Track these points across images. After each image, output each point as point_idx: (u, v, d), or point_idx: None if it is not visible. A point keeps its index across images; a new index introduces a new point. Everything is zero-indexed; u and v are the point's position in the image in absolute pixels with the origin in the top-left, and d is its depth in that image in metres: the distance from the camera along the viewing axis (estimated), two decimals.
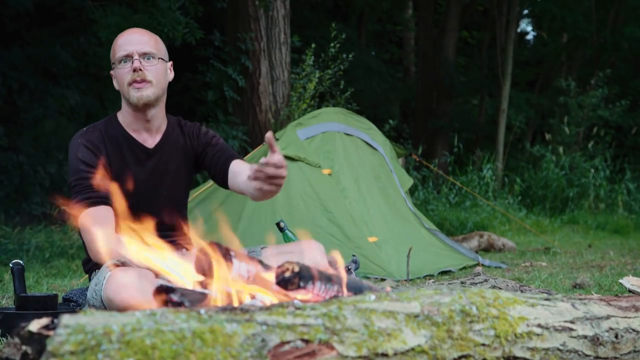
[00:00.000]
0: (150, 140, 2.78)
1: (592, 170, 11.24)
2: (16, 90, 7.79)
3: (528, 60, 17.45)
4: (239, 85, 8.74)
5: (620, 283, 3.42)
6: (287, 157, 4.83)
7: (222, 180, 2.83)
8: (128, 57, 2.66)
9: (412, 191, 9.50)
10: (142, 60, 2.65)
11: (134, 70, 2.64)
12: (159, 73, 2.70)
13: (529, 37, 20.82)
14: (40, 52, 8.06)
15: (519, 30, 17.57)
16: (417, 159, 7.62)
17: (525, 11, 16.81)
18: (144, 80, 2.65)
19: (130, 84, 2.65)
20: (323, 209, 4.83)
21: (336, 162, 5.18)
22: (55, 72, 8.27)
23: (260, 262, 1.91)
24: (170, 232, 2.71)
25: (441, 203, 9.65)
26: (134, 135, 2.76)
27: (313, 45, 8.99)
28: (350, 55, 9.35)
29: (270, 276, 1.82)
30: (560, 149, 11.97)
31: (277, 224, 3.30)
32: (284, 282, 1.73)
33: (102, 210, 2.54)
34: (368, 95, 13.48)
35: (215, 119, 8.88)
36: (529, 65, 17.37)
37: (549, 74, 16.34)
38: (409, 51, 17.94)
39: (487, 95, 15.45)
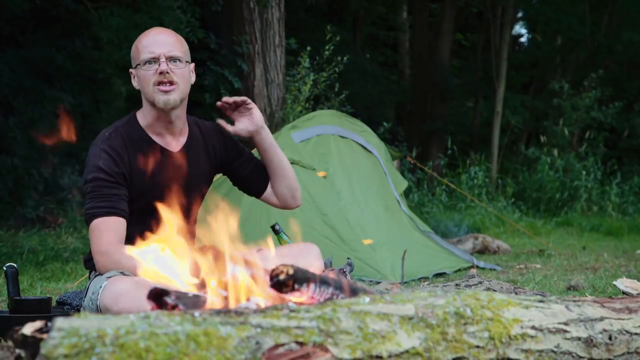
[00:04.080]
0: (174, 144, 2.73)
1: (585, 173, 11.27)
2: (11, 93, 7.77)
3: (522, 62, 17.49)
4: (235, 87, 8.74)
5: (614, 285, 3.44)
6: None
7: (254, 194, 3.01)
8: (154, 60, 2.59)
9: (406, 193, 9.51)
10: (168, 63, 2.59)
11: (160, 73, 2.58)
12: (184, 76, 2.65)
13: (523, 39, 20.87)
14: (35, 54, 8.04)
15: (513, 32, 17.61)
16: (412, 162, 7.63)
17: (520, 14, 16.86)
18: (170, 82, 2.60)
19: (156, 85, 2.59)
20: (318, 212, 4.82)
21: (331, 165, 5.17)
22: (50, 75, 8.26)
23: (255, 264, 1.91)
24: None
25: (436, 205, 9.66)
26: (157, 139, 2.70)
27: (308, 48, 8.99)
28: (345, 58, 9.35)
29: (265, 279, 1.82)
30: (555, 151, 12.00)
31: (272, 227, 3.30)
32: (279, 285, 1.72)
33: (113, 220, 2.50)
34: (363, 98, 13.48)
35: (212, 121, 8.87)
36: (524, 68, 17.41)
37: (544, 76, 16.38)
38: (404, 54, 17.96)
39: (482, 97, 15.49)
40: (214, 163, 2.87)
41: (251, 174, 2.95)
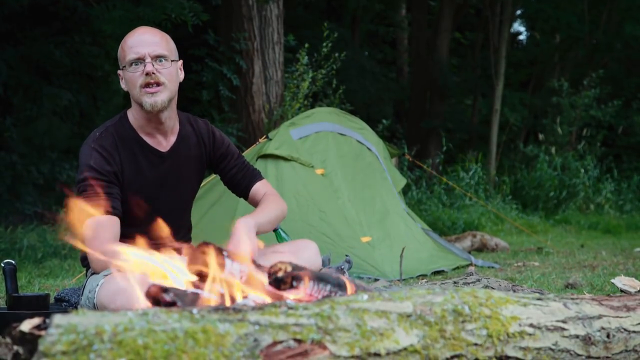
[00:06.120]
0: (164, 143, 2.71)
1: (583, 171, 11.27)
2: (9, 90, 7.77)
3: (521, 60, 17.48)
4: (233, 85, 8.74)
5: (612, 283, 3.44)
6: (280, 157, 4.84)
7: (239, 195, 2.98)
8: (140, 60, 2.56)
9: (405, 191, 9.51)
10: (154, 63, 2.56)
11: (147, 74, 2.55)
12: (172, 75, 2.62)
13: (522, 37, 20.87)
14: (33, 51, 8.03)
15: (512, 30, 17.59)
16: (410, 159, 7.63)
17: (519, 12, 16.85)
18: (157, 83, 2.57)
19: (142, 87, 2.57)
20: (316, 209, 4.82)
21: (329, 162, 5.17)
22: (49, 72, 8.25)
23: (253, 261, 1.91)
24: (175, 236, 2.68)
25: (434, 203, 9.65)
26: (148, 139, 2.68)
27: (307, 45, 8.99)
28: (343, 54, 9.35)
29: (263, 276, 1.82)
30: (553, 149, 12.00)
31: None
32: (277, 282, 1.73)
33: (107, 219, 2.49)
34: (361, 95, 13.48)
35: (210, 118, 8.88)
36: (522, 66, 17.40)
37: (542, 74, 16.38)
38: (403, 51, 17.96)
39: (480, 95, 15.48)
40: (203, 162, 2.87)
41: (233, 178, 2.93)
